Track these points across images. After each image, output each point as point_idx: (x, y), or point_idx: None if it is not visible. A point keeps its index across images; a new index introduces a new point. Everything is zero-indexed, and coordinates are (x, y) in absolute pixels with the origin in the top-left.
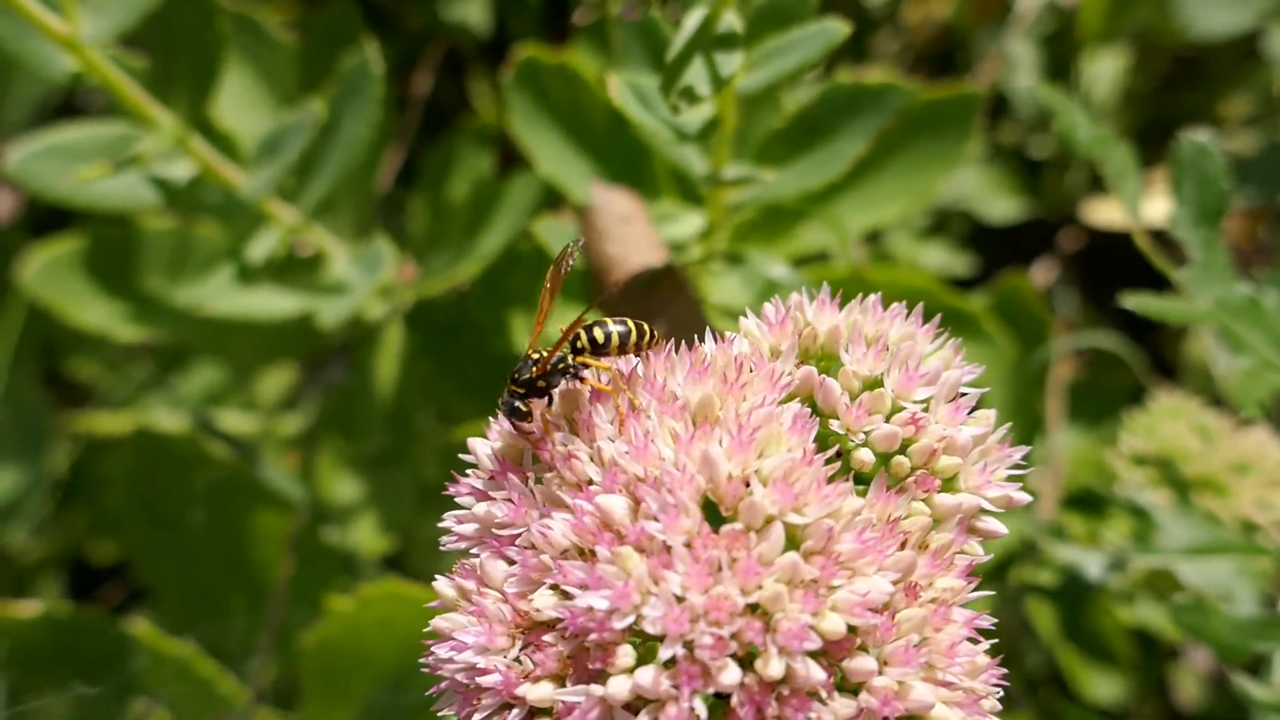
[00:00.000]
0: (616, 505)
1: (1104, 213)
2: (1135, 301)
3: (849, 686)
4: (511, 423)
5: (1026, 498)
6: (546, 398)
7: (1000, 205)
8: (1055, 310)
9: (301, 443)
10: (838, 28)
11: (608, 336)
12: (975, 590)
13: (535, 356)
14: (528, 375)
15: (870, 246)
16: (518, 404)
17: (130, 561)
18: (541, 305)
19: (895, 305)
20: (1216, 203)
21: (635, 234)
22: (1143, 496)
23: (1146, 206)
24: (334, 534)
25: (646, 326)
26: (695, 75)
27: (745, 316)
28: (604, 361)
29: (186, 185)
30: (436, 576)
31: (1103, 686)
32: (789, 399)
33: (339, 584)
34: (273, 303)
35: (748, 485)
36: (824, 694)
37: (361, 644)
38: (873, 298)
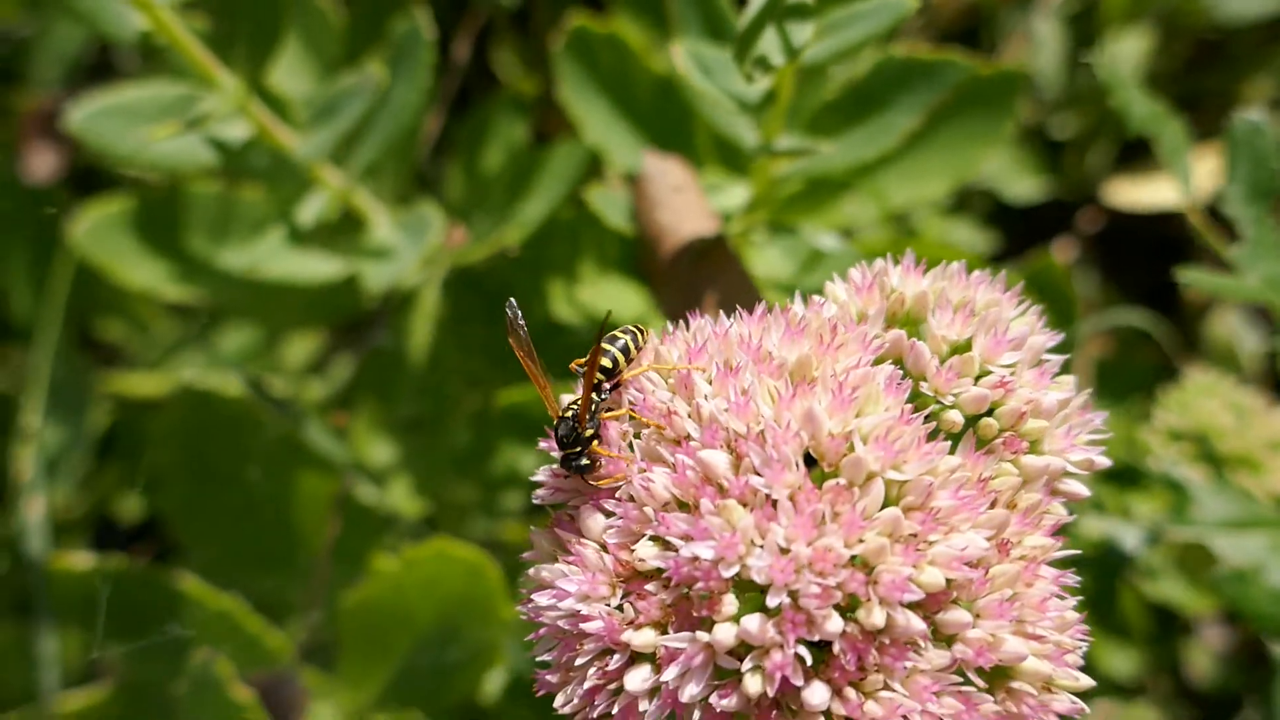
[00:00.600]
0: (719, 459)
1: (1125, 194)
2: (1189, 277)
3: (942, 638)
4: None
5: (1107, 462)
6: (596, 439)
7: (1021, 185)
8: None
9: (336, 406)
10: (905, 1)
11: (614, 360)
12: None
13: (569, 414)
14: (575, 431)
15: (897, 224)
16: (580, 461)
17: (169, 519)
18: (533, 375)
19: (978, 272)
20: (1269, 181)
21: (687, 203)
22: (1179, 471)
23: (1170, 188)
24: (370, 496)
25: (638, 327)
26: (768, 45)
27: (832, 281)
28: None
29: (241, 147)
30: (532, 528)
31: (1119, 661)
32: (879, 362)
33: (381, 545)
34: (321, 266)
35: (848, 442)
36: (921, 644)
37: (404, 603)
38: (956, 264)
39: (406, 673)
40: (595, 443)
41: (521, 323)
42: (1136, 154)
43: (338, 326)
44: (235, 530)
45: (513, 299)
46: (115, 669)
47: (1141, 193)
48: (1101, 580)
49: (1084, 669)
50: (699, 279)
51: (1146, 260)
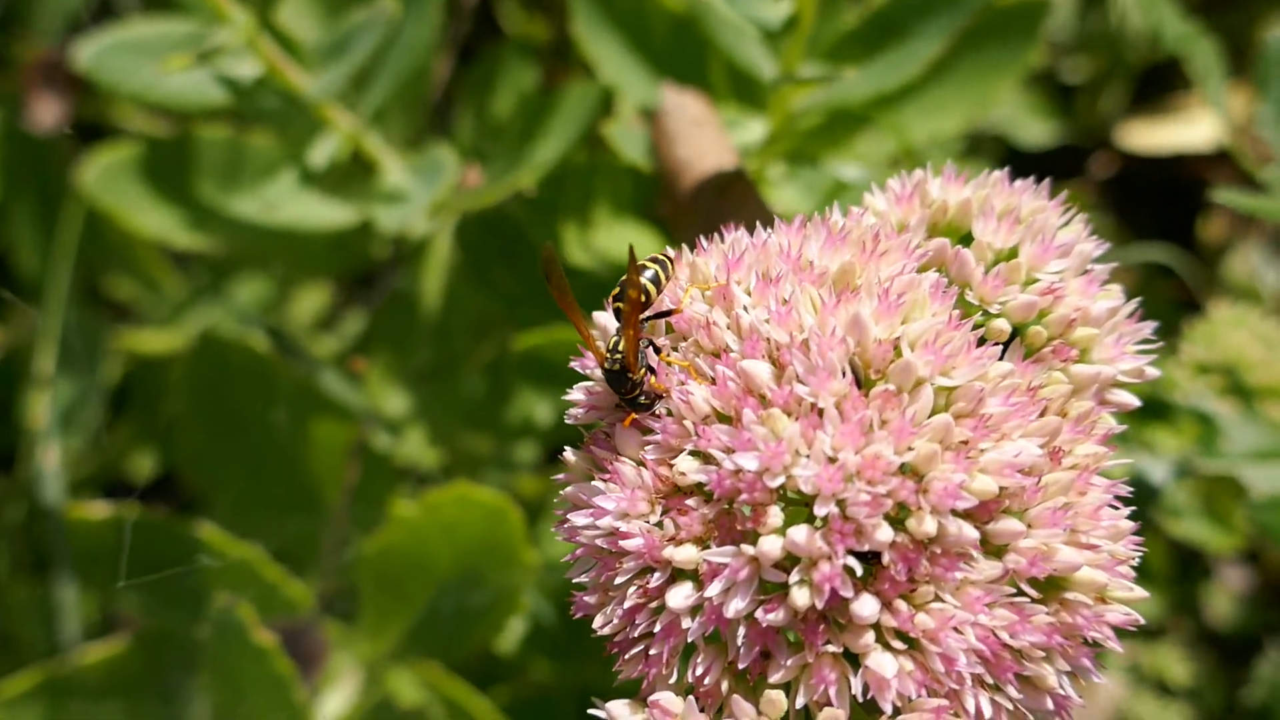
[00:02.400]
0: (761, 369)
1: (1139, 137)
2: (1224, 197)
3: (993, 548)
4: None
5: (1157, 372)
6: (652, 372)
7: (1033, 129)
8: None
9: (351, 356)
10: None
11: (647, 292)
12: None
13: (619, 358)
14: (628, 376)
15: (909, 165)
16: (640, 400)
17: (183, 471)
18: (575, 319)
19: (1023, 180)
20: None
21: (706, 138)
22: (1207, 403)
23: (1187, 129)
24: (387, 444)
25: (665, 255)
26: None
27: (870, 193)
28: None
29: (251, 86)
30: (565, 447)
31: (1141, 604)
32: (922, 270)
33: (399, 493)
34: (333, 212)
35: (895, 349)
36: (973, 554)
37: (424, 549)
38: (998, 173)
39: (427, 620)
40: (651, 379)
41: (559, 265)
42: (1149, 97)
43: (349, 278)
44: (252, 479)
45: (550, 242)
46: (134, 620)
47: (1156, 135)
48: (1131, 516)
49: None
50: (719, 214)
51: (1160, 205)
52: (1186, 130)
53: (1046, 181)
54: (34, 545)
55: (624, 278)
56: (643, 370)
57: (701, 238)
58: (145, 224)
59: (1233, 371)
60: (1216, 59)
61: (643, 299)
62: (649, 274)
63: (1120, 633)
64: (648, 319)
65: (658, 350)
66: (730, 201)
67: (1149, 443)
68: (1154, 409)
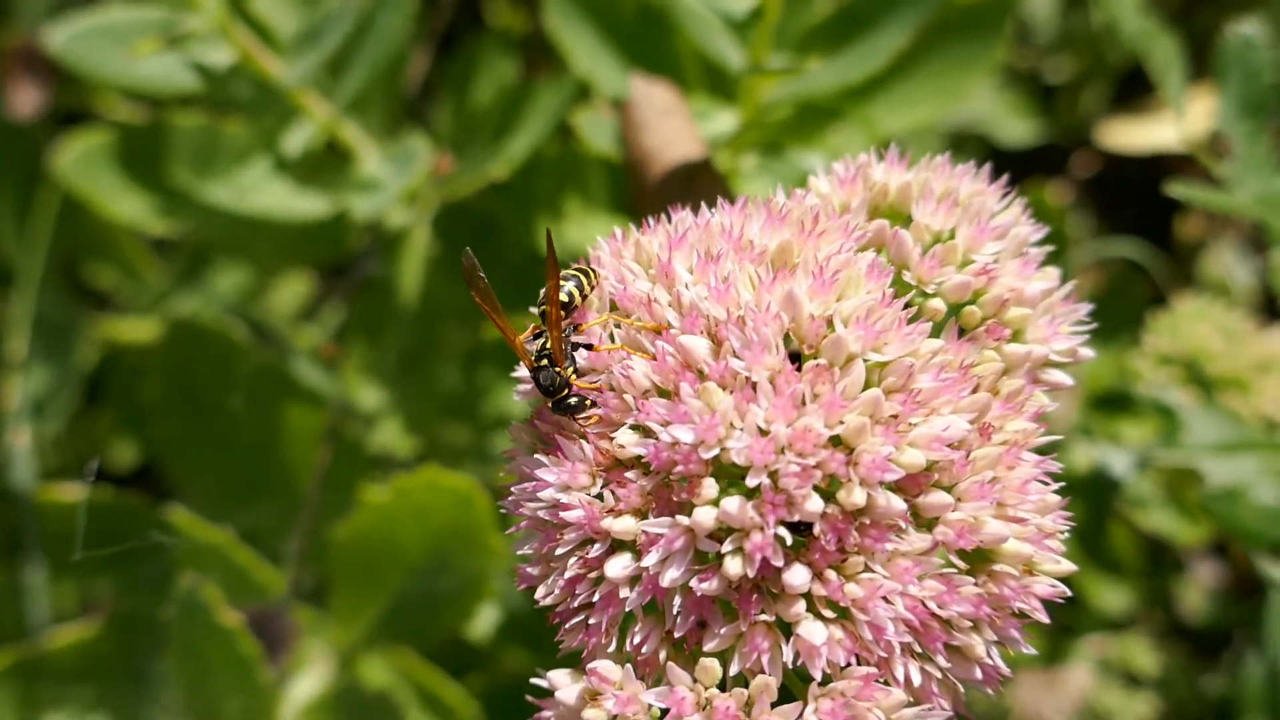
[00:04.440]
0: (698, 345)
1: (1119, 136)
2: (1178, 190)
3: (923, 521)
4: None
5: (1091, 353)
6: (573, 368)
7: (1015, 128)
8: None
9: (325, 342)
10: None
11: (570, 295)
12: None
13: (544, 362)
14: (555, 376)
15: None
16: (569, 401)
17: (159, 457)
18: (497, 323)
19: (964, 164)
20: (1260, 96)
21: (674, 127)
22: (1169, 395)
23: (1163, 128)
24: (361, 433)
25: (587, 265)
26: None
27: (814, 175)
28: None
29: (225, 73)
30: (513, 422)
31: (1111, 596)
32: (861, 250)
33: (371, 478)
34: (308, 199)
35: (829, 325)
36: (903, 526)
37: (395, 534)
38: (941, 156)
39: (397, 605)
40: (575, 377)
41: (480, 273)
42: (1131, 97)
43: (330, 269)
44: (225, 465)
45: (469, 249)
46: (105, 604)
47: (1136, 134)
48: (1091, 508)
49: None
50: (687, 203)
51: (1140, 204)
52: (1164, 129)
53: (987, 166)
54: (4, 528)
55: (545, 286)
56: (569, 369)
57: (649, 218)
58: (120, 209)
59: (1194, 363)
60: (1177, 56)
61: (565, 301)
62: (572, 281)
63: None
64: (568, 328)
65: (589, 347)
66: (698, 191)
67: (1114, 434)
68: (1118, 401)
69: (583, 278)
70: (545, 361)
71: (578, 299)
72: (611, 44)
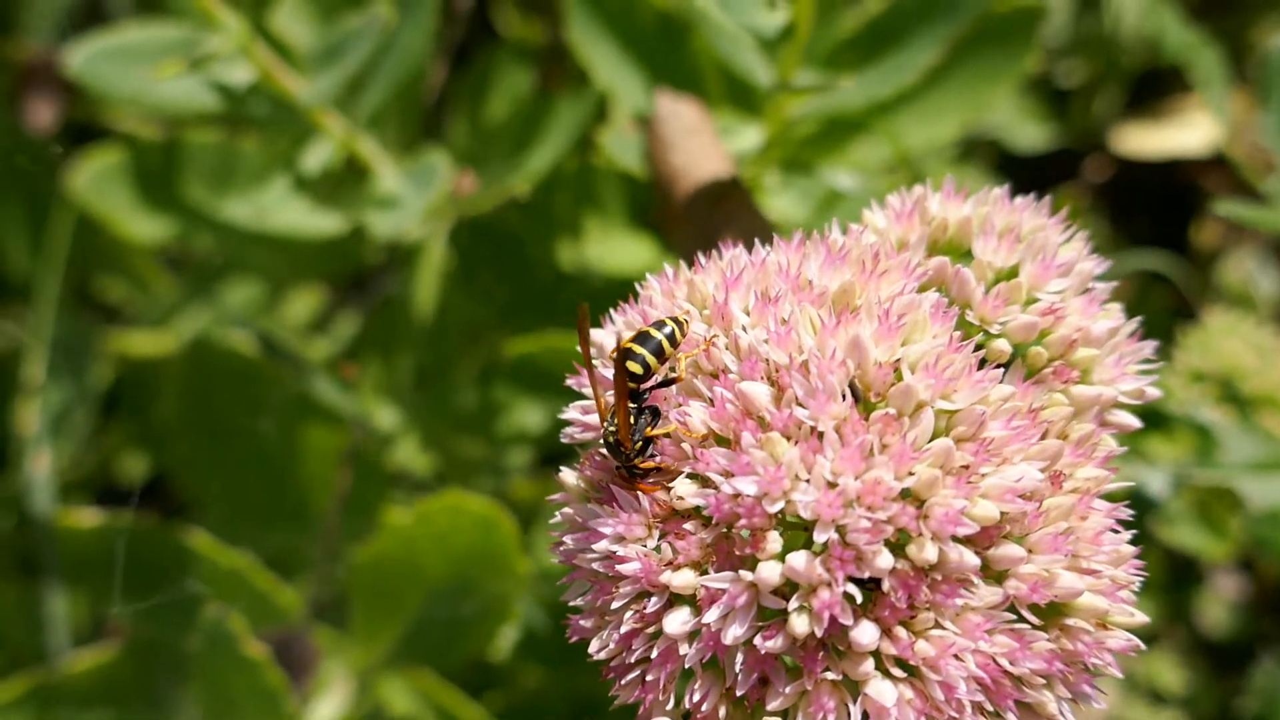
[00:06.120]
0: (760, 392)
1: (1133, 141)
2: (1227, 209)
3: (993, 574)
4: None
5: (1158, 393)
6: (647, 444)
7: (1028, 133)
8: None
9: (344, 360)
10: None
11: (645, 363)
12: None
13: (611, 438)
14: (624, 454)
15: (904, 172)
16: (636, 471)
17: (175, 476)
18: (596, 393)
19: (1023, 198)
20: None
21: (700, 145)
22: (1203, 413)
23: (1181, 133)
24: (379, 451)
25: (677, 318)
26: None
27: (869, 209)
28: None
29: (244, 92)
30: (561, 467)
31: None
32: (922, 289)
33: (391, 500)
34: (326, 217)
35: (896, 371)
36: (974, 580)
37: (416, 558)
38: (999, 190)
39: (418, 628)
40: (649, 450)
41: (588, 324)
42: (1144, 101)
43: (340, 282)
44: (244, 485)
45: (584, 304)
46: (123, 628)
47: (1150, 140)
48: (1127, 527)
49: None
50: (715, 222)
51: (1154, 210)
52: (1181, 134)
53: (1047, 199)
54: (20, 550)
55: (621, 345)
56: (637, 443)
57: (700, 254)
58: (135, 229)
59: (1228, 380)
60: (1219, 68)
61: (641, 370)
62: (652, 344)
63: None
64: (649, 389)
65: (656, 414)
66: (725, 210)
67: (1145, 452)
68: (1150, 418)
69: (665, 342)
70: (614, 433)
71: (653, 365)
72: (633, 58)
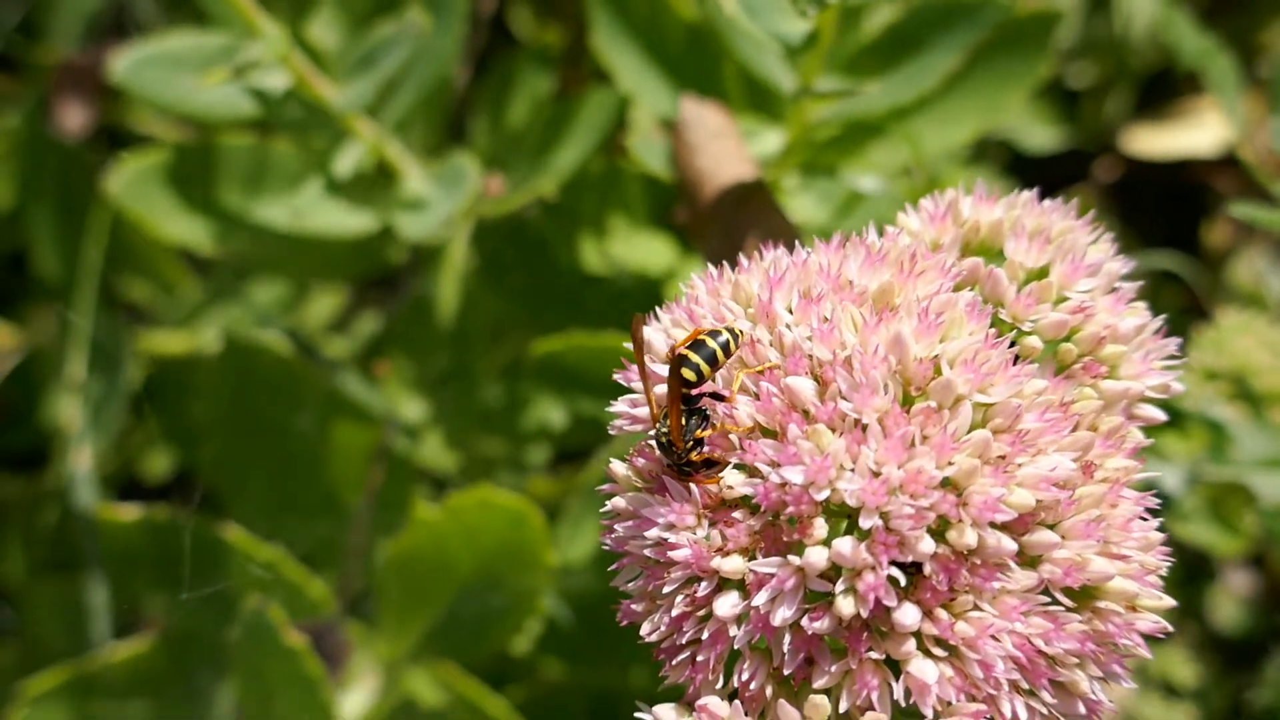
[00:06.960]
0: (805, 386)
1: (1144, 142)
2: (1241, 211)
3: (1028, 559)
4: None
5: (1183, 387)
6: (699, 446)
7: (1039, 135)
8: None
9: (366, 359)
10: None
11: (698, 370)
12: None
13: (664, 440)
14: (676, 455)
15: (919, 174)
16: (685, 469)
17: (207, 472)
18: (646, 388)
19: (1051, 200)
20: None
21: (725, 149)
22: (1217, 410)
23: (1191, 134)
24: (406, 447)
25: (733, 329)
26: None
27: (903, 213)
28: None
29: (280, 97)
30: (610, 460)
31: None
32: (957, 289)
33: (417, 494)
34: (357, 218)
35: (935, 366)
36: (1010, 565)
37: (445, 552)
38: (1028, 193)
39: (446, 622)
40: (701, 450)
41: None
42: (1154, 102)
43: (362, 282)
44: (276, 482)
45: (639, 315)
46: (159, 620)
47: (1160, 140)
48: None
49: None
50: (740, 225)
51: (1164, 210)
52: (1191, 135)
53: (1075, 201)
54: (59, 544)
55: (677, 350)
56: (689, 443)
57: (725, 254)
58: (171, 231)
59: (1240, 377)
60: (1233, 73)
61: (695, 377)
62: (706, 351)
63: (1146, 638)
64: (698, 396)
65: (705, 418)
66: (750, 212)
67: (1160, 449)
68: (1168, 415)
69: (719, 351)
70: (666, 434)
71: (706, 372)
72: (656, 64)
